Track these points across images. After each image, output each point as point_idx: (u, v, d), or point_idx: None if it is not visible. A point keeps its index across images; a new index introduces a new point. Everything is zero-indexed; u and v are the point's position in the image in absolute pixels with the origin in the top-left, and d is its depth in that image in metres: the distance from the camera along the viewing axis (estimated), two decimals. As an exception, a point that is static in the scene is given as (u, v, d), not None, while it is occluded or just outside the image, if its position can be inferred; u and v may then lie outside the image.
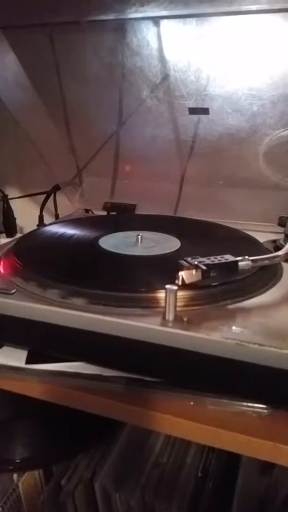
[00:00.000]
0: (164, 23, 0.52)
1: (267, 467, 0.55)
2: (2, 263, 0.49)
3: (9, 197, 0.88)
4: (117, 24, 0.54)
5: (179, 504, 0.50)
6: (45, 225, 0.65)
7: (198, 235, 0.59)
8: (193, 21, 0.51)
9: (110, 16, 0.52)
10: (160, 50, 0.55)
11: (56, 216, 0.88)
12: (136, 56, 0.56)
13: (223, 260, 0.41)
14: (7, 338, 0.43)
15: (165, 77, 0.57)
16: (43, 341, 0.41)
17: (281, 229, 0.64)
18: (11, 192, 0.93)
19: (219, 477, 0.54)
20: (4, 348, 0.43)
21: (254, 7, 0.46)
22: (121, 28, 0.54)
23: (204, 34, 0.52)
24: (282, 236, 0.59)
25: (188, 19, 0.51)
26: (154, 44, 0.55)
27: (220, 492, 0.52)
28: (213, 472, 0.55)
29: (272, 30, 0.49)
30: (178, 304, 0.37)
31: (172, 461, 0.56)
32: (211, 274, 0.40)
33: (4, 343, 0.43)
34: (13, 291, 0.42)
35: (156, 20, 0.52)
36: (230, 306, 0.40)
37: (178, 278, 0.39)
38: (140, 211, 0.75)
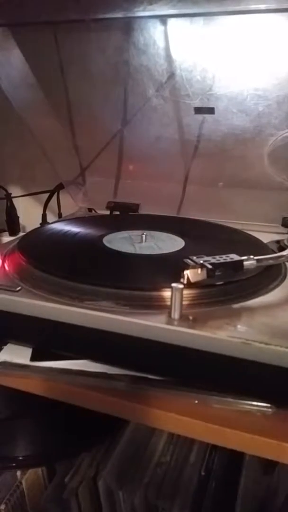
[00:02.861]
0: (171, 21, 0.52)
1: (269, 466, 0.55)
2: (6, 260, 0.49)
3: (12, 195, 0.88)
4: (124, 22, 0.54)
5: (182, 502, 0.50)
6: (49, 224, 0.65)
7: (202, 235, 0.59)
8: (200, 20, 0.51)
9: (118, 14, 0.52)
10: (167, 49, 0.55)
11: (59, 215, 0.88)
12: (142, 54, 0.56)
13: (228, 260, 0.41)
14: (12, 335, 0.43)
15: (171, 76, 0.57)
16: (48, 338, 0.42)
17: (285, 230, 0.64)
18: (14, 191, 0.92)
19: (222, 476, 0.54)
20: (9, 345, 0.43)
21: (262, 6, 0.46)
22: (127, 26, 0.54)
23: (211, 33, 0.52)
24: (286, 236, 0.59)
25: (195, 18, 0.51)
26: (160, 43, 0.55)
27: (223, 491, 0.52)
28: (216, 471, 0.55)
29: (279, 30, 0.49)
30: (184, 303, 0.37)
31: (175, 460, 0.56)
32: (216, 273, 0.40)
33: (8, 340, 0.44)
34: (18, 288, 0.42)
35: (163, 18, 0.52)
36: (235, 306, 0.40)
37: (183, 277, 0.39)
38: (143, 211, 0.75)
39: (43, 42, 0.60)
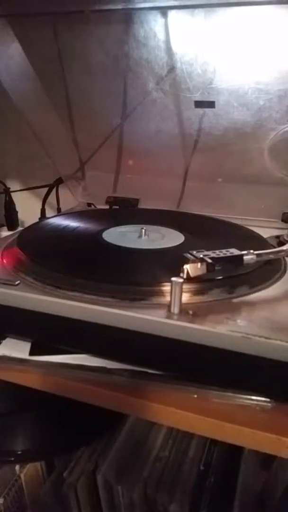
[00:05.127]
0: (172, 14, 0.52)
1: (267, 461, 0.55)
2: (5, 255, 0.49)
3: (11, 189, 0.88)
4: (124, 14, 0.53)
5: (181, 497, 0.50)
6: (48, 218, 0.65)
7: (202, 230, 0.59)
8: (201, 12, 0.50)
9: (118, 6, 0.51)
10: (167, 42, 0.54)
11: (58, 210, 0.88)
12: (142, 47, 0.56)
13: (228, 254, 0.41)
14: (11, 329, 0.43)
15: (172, 69, 0.57)
16: (47, 332, 0.42)
17: (284, 225, 0.64)
18: (13, 185, 0.92)
19: (221, 471, 0.54)
20: (8, 339, 0.43)
21: (265, -3, 0.46)
22: (128, 18, 0.54)
23: (212, 26, 0.51)
24: (286, 231, 0.59)
25: (196, 10, 0.50)
26: (161, 35, 0.54)
27: (222, 485, 0.53)
28: (215, 465, 0.55)
29: (281, 23, 0.49)
30: (183, 297, 0.37)
31: (174, 454, 0.56)
32: (216, 268, 0.39)
33: (7, 334, 0.43)
34: (17, 282, 0.42)
35: (164, 10, 0.52)
36: (235, 300, 0.40)
37: (183, 271, 0.39)
38: (143, 205, 0.75)
39: (42, 34, 0.59)
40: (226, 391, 0.37)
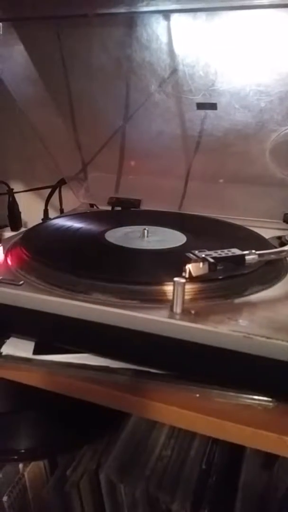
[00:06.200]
0: (174, 17, 0.52)
1: (269, 460, 0.55)
2: (9, 255, 0.49)
3: (14, 190, 0.88)
4: (127, 17, 0.54)
5: (183, 495, 0.50)
6: (51, 219, 0.65)
7: (204, 231, 0.59)
8: (203, 15, 0.51)
9: (121, 10, 0.52)
10: (170, 44, 0.55)
11: (61, 211, 0.88)
12: (145, 50, 0.56)
13: (230, 254, 0.41)
14: (14, 329, 0.44)
15: (174, 71, 0.57)
16: (51, 332, 0.42)
17: (286, 226, 0.64)
18: (16, 186, 0.92)
19: (222, 470, 0.55)
20: (12, 339, 0.44)
21: (266, 1, 0.46)
22: (130, 21, 0.54)
23: (214, 28, 0.52)
24: (287, 232, 0.59)
25: (198, 13, 0.51)
26: (163, 38, 0.54)
27: (224, 484, 0.53)
28: (217, 464, 0.55)
29: (281, 25, 0.49)
30: (185, 297, 0.37)
31: (176, 453, 0.56)
32: (218, 268, 0.40)
33: (11, 333, 0.44)
34: (21, 282, 0.42)
35: (166, 14, 0.52)
36: (237, 300, 0.40)
37: (185, 271, 0.39)
38: (145, 206, 0.75)
39: (45, 37, 0.60)
40: (228, 391, 0.37)
